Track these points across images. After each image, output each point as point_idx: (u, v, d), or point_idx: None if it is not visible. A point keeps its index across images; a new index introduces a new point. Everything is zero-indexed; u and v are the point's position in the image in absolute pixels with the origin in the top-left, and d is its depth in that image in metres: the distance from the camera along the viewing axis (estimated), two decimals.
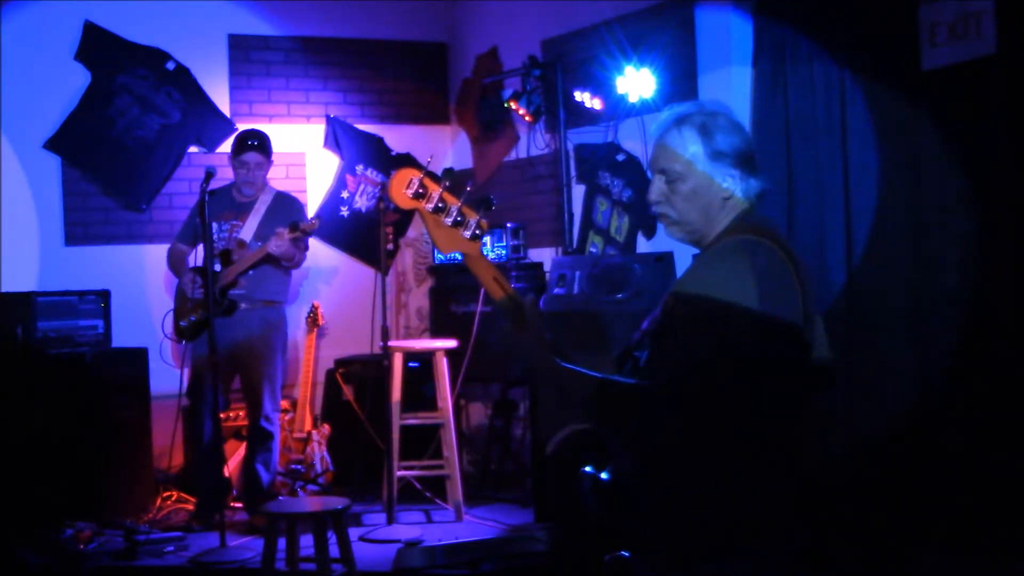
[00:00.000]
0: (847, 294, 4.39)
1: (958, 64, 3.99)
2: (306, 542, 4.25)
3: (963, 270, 4.00)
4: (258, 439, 5.31)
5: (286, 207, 5.48)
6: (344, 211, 6.80)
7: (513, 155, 6.50)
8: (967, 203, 3.98)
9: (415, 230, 6.98)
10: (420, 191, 2.34)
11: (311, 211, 6.52)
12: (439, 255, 6.26)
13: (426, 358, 5.62)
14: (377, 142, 6.92)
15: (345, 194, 6.81)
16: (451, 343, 5.46)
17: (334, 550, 4.22)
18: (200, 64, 6.42)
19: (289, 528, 4.22)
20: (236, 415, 5.82)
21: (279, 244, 5.18)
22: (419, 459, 5.54)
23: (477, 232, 2.35)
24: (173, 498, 5.71)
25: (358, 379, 5.98)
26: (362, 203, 6.83)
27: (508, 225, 5.91)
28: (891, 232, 4.27)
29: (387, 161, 6.90)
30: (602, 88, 5.55)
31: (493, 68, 6.60)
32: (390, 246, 5.85)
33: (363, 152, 6.87)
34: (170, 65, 6.35)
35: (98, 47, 6.20)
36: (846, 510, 4.11)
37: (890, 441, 4.10)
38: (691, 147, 2.29)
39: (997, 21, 3.85)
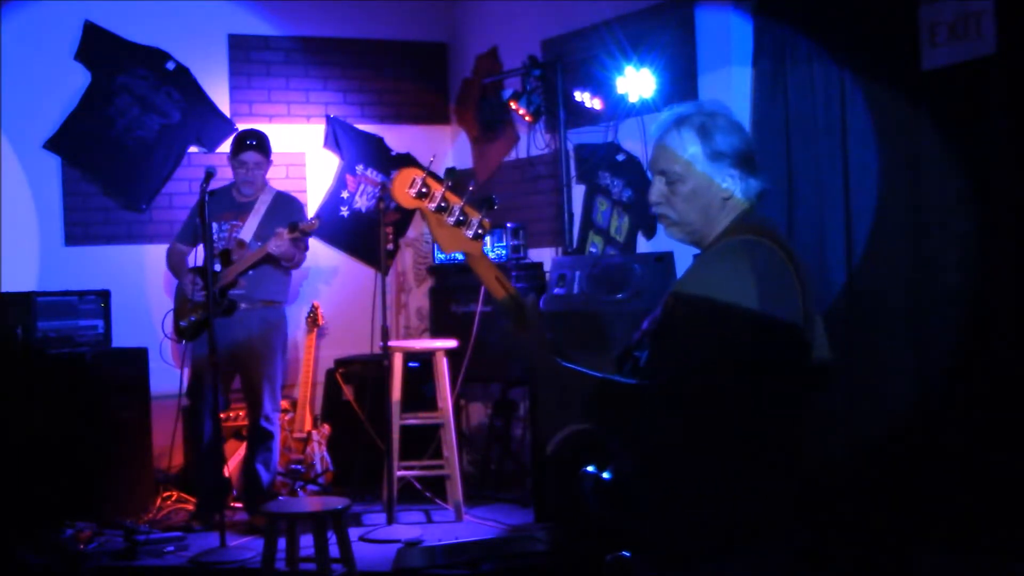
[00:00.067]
0: (847, 294, 4.39)
1: (958, 64, 3.99)
2: (306, 542, 4.25)
3: (963, 270, 4.00)
4: (258, 439, 5.31)
5: (286, 207, 5.48)
6: (344, 211, 6.80)
7: (513, 155, 6.50)
8: (967, 203, 3.98)
9: (415, 230, 6.98)
10: (423, 190, 2.34)
11: (311, 211, 6.52)
12: (439, 255, 6.26)
13: (426, 358, 5.62)
14: (377, 142, 6.92)
15: (345, 194, 6.81)
16: (451, 343, 5.46)
17: (334, 550, 4.22)
18: (200, 64, 6.42)
19: (289, 528, 4.22)
20: (236, 415, 5.83)
21: (279, 244, 5.18)
22: (419, 459, 5.54)
23: (479, 231, 2.35)
24: (173, 498, 5.71)
25: (358, 379, 5.98)
26: (362, 203, 6.83)
27: (508, 225, 5.91)
28: (891, 232, 4.27)
29: (387, 161, 6.90)
30: (602, 88, 5.55)
31: (493, 68, 6.60)
32: (390, 246, 5.86)
33: (363, 152, 6.87)
34: (170, 65, 6.35)
35: (98, 47, 6.20)
36: (846, 510, 4.11)
37: (890, 441, 4.10)
38: (690, 148, 2.29)
39: (997, 21, 3.85)
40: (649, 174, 2.41)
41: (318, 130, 6.77)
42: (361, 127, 6.88)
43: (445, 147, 7.09)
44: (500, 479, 5.96)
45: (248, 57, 6.59)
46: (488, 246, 5.91)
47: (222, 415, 5.37)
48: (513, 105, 6.04)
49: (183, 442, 5.65)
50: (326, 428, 5.85)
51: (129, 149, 6.27)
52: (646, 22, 5.39)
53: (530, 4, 6.30)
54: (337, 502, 4.26)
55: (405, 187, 2.35)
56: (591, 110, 5.67)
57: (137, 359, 5.62)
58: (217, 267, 5.25)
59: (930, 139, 4.11)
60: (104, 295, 5.66)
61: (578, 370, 2.22)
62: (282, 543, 4.20)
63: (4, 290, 5.60)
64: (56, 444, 5.14)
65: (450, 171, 2.16)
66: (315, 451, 5.72)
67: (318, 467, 5.67)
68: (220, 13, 6.49)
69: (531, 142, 6.30)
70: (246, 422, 5.49)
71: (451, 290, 6.01)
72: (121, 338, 5.68)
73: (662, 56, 5.23)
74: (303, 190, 6.60)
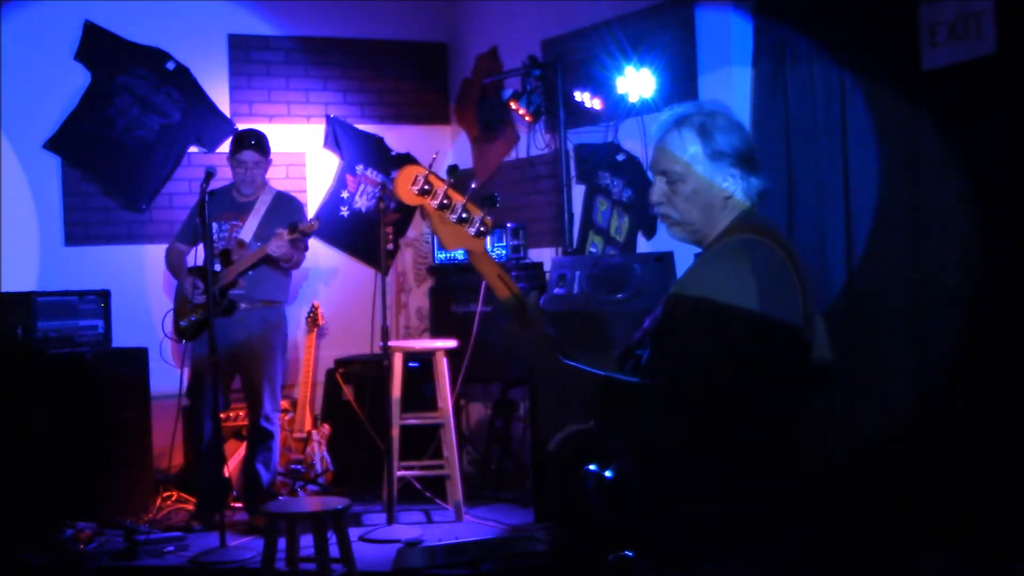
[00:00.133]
0: (847, 294, 4.39)
1: (958, 64, 3.99)
2: (306, 542, 4.25)
3: (963, 270, 4.00)
4: (258, 439, 5.31)
5: (286, 207, 5.48)
6: (344, 211, 6.80)
7: (513, 155, 6.50)
8: (967, 203, 3.98)
9: (415, 230, 6.98)
10: (426, 187, 2.34)
11: (311, 211, 6.52)
12: (439, 255, 6.26)
13: (426, 358, 5.62)
14: (377, 142, 6.92)
15: (345, 194, 6.81)
16: (451, 343, 5.46)
17: (334, 550, 4.22)
18: (200, 64, 6.42)
19: (289, 528, 4.22)
20: (236, 415, 5.83)
21: (279, 245, 5.17)
22: (419, 459, 5.54)
23: (482, 229, 2.35)
24: (173, 498, 5.71)
25: (358, 379, 5.98)
26: (362, 203, 6.83)
27: (508, 225, 5.91)
28: (891, 232, 4.27)
29: (387, 161, 6.90)
30: (602, 88, 5.55)
31: (493, 68, 6.60)
32: (390, 246, 5.86)
33: (363, 152, 6.87)
34: (170, 65, 6.35)
35: (98, 47, 6.20)
36: (846, 510, 4.11)
37: (890, 441, 4.10)
38: (691, 148, 2.29)
39: (997, 21, 3.85)
40: (650, 174, 2.41)
41: (318, 130, 6.77)
42: (361, 127, 6.88)
43: (445, 147, 7.09)
44: (500, 479, 5.96)
45: (248, 57, 6.59)
46: (488, 246, 5.90)
47: (222, 415, 5.37)
48: (513, 105, 6.04)
49: (183, 442, 5.65)
50: (326, 428, 5.85)
51: (129, 149, 6.27)
52: (646, 22, 5.39)
53: (530, 4, 6.30)
54: (337, 502, 4.26)
55: (408, 184, 2.35)
56: (591, 110, 5.67)
57: (137, 359, 5.62)
58: (217, 267, 5.25)
59: (930, 139, 4.11)
60: (104, 295, 5.66)
61: (580, 368, 2.22)
62: (282, 543, 4.20)
63: (4, 290, 5.60)
64: (56, 444, 5.14)
65: (452, 169, 2.16)
66: (315, 451, 5.72)
67: (318, 467, 5.67)
68: (220, 13, 6.49)
69: (531, 142, 6.30)
70: (246, 422, 5.49)
71: (451, 290, 6.01)
72: (121, 338, 5.68)
73: (662, 56, 5.23)
74: (303, 190, 6.60)
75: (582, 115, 5.78)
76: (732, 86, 4.87)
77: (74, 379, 5.31)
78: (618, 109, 5.53)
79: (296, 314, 6.13)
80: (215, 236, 5.33)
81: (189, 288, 5.34)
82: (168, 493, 5.73)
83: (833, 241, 4.46)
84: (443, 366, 5.36)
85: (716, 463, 2.14)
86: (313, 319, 6.06)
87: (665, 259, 4.86)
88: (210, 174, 4.82)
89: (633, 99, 5.37)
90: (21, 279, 5.85)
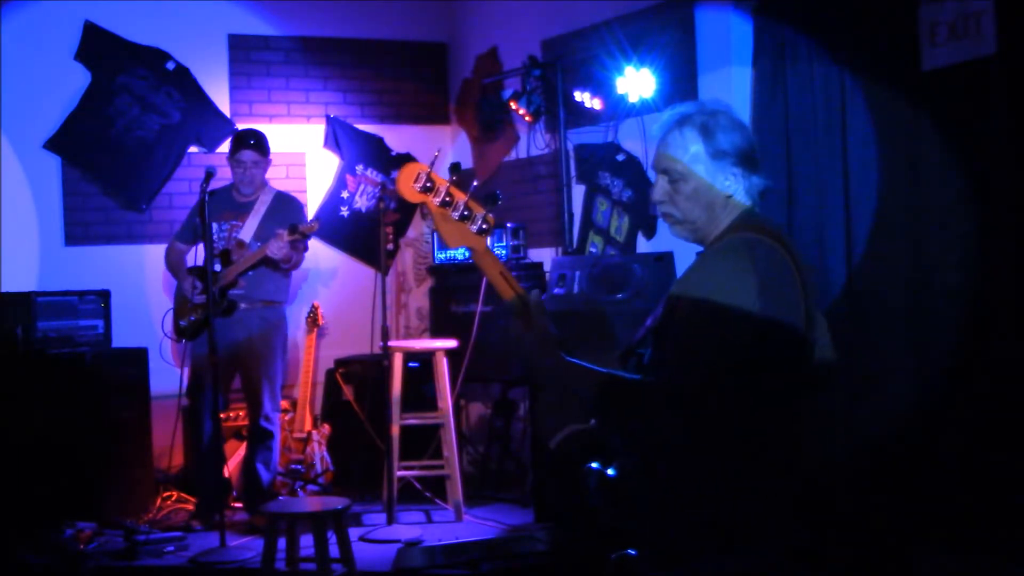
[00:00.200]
0: (847, 294, 4.39)
1: (958, 64, 3.99)
2: (306, 542, 4.25)
3: (963, 270, 4.00)
4: (258, 439, 5.31)
5: (286, 207, 5.48)
6: (344, 211, 6.80)
7: (513, 155, 6.50)
8: (967, 203, 3.98)
9: (415, 230, 6.98)
10: (428, 185, 2.34)
11: (311, 211, 6.52)
12: (439, 255, 6.26)
13: (426, 358, 5.62)
14: (377, 142, 6.93)
15: (345, 194, 6.81)
16: (451, 343, 5.46)
17: (334, 550, 4.22)
18: (200, 64, 6.42)
19: (289, 528, 4.22)
20: (236, 415, 5.82)
21: (279, 247, 5.16)
22: (419, 459, 5.54)
23: (484, 227, 2.35)
24: (173, 498, 5.71)
25: (358, 379, 5.98)
26: (362, 203, 6.83)
27: (508, 225, 5.91)
28: (891, 232, 4.27)
29: (387, 161, 6.90)
30: (602, 88, 5.56)
31: (493, 68, 6.60)
32: (390, 246, 5.85)
33: (363, 152, 6.87)
34: (170, 65, 6.35)
35: (98, 47, 6.20)
36: (846, 510, 4.11)
37: (890, 441, 4.09)
38: (692, 147, 2.29)
39: (997, 21, 3.85)
40: (651, 174, 2.41)
41: (318, 130, 6.77)
42: (361, 127, 6.88)
43: (445, 147, 7.09)
44: (500, 479, 5.96)
45: (248, 57, 6.59)
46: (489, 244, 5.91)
47: (222, 415, 5.37)
48: (513, 105, 6.04)
49: (183, 442, 5.65)
50: (326, 428, 5.85)
51: (129, 149, 6.27)
52: (646, 22, 5.39)
53: (530, 4, 6.30)
54: (337, 502, 4.26)
55: (410, 181, 2.34)
56: (591, 110, 5.67)
57: (137, 359, 5.61)
58: (217, 267, 5.25)
59: (930, 139, 4.11)
60: (104, 295, 5.66)
61: (583, 365, 2.22)
62: (282, 543, 4.20)
63: (4, 290, 5.60)
64: (56, 444, 5.14)
65: (454, 166, 2.17)
66: (315, 451, 5.72)
67: (318, 467, 5.67)
68: (220, 13, 6.49)
69: (531, 142, 6.30)
70: (246, 422, 5.49)
71: (451, 290, 6.01)
72: (121, 338, 5.68)
73: (662, 56, 5.23)
74: (303, 190, 6.60)
75: (582, 115, 5.78)
76: (732, 86, 4.87)
77: (74, 379, 5.31)
78: (618, 109, 5.53)
79: (296, 314, 6.13)
80: (215, 236, 5.33)
81: (189, 288, 5.34)
82: (168, 493, 5.73)
83: (833, 241, 4.46)
84: (443, 366, 5.36)
85: (717, 462, 2.14)
86: (313, 319, 6.06)
87: (665, 259, 4.86)
88: (210, 174, 4.82)
89: (633, 99, 5.37)
90: (21, 279, 5.84)
